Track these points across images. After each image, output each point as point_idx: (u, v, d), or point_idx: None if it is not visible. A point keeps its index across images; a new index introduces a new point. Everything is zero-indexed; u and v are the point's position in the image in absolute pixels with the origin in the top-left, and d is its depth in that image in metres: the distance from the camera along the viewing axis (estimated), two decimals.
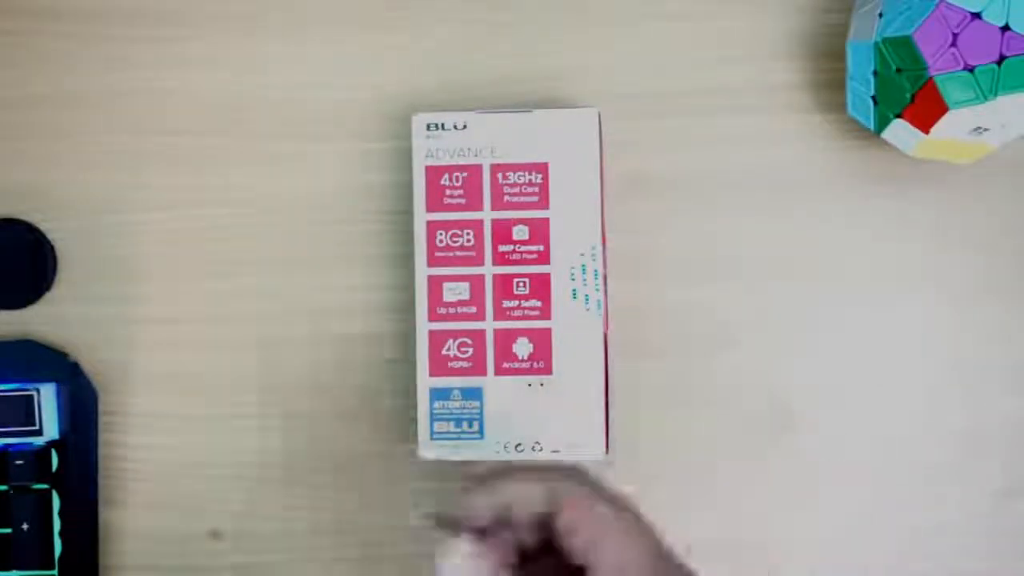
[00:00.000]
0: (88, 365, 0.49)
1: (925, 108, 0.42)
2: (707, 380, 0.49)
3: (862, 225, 0.49)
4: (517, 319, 0.45)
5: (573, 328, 0.45)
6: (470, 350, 0.45)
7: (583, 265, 0.45)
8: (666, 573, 0.35)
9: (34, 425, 0.48)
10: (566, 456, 0.45)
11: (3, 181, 0.50)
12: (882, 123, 0.44)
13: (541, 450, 0.45)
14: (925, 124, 0.43)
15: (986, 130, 0.43)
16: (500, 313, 0.45)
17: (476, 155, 0.45)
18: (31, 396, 0.48)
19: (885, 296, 0.49)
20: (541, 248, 0.45)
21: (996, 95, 0.41)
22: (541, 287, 0.45)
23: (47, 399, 0.48)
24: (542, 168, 0.45)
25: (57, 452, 0.48)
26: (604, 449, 0.45)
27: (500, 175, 0.45)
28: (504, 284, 0.45)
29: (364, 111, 0.50)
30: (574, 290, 0.45)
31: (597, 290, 0.45)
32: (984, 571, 0.48)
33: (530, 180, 0.45)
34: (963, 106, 0.41)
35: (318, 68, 0.50)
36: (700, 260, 0.49)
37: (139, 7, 0.50)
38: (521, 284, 0.45)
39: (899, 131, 0.44)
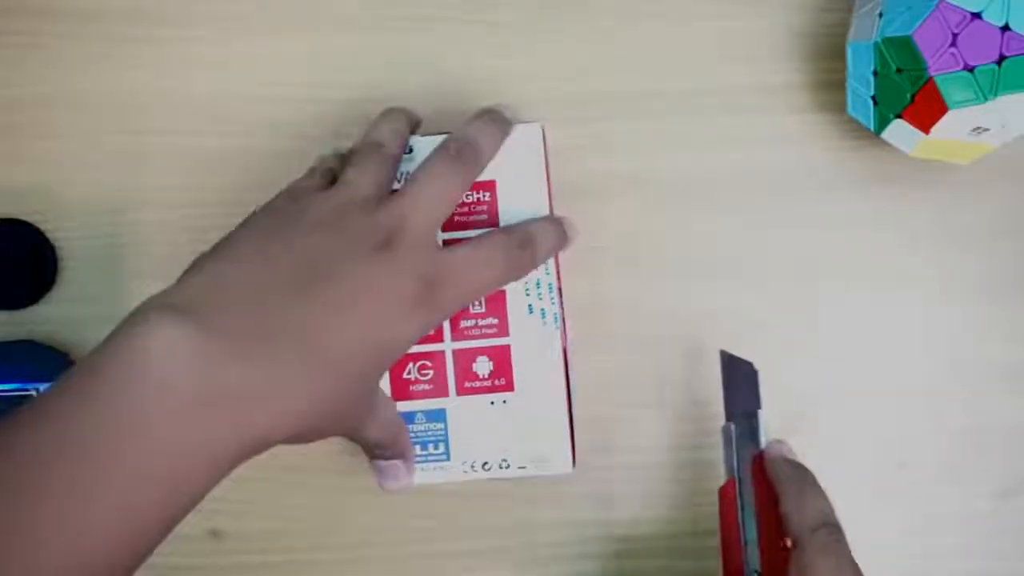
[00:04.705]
0: None
1: (925, 108, 0.42)
2: (706, 380, 0.49)
3: (862, 225, 0.49)
4: (475, 338, 0.45)
5: (532, 343, 0.45)
6: (431, 372, 0.45)
7: (537, 280, 0.45)
8: None
9: None
10: (533, 472, 0.45)
11: (4, 181, 0.50)
12: (882, 123, 0.44)
13: (508, 467, 0.45)
14: (925, 124, 0.43)
15: (986, 130, 0.43)
16: (458, 333, 0.45)
17: None
18: (31, 396, 0.48)
19: (885, 296, 0.49)
20: None
21: (996, 95, 0.41)
22: (497, 304, 0.45)
23: None
24: (489, 186, 0.45)
25: None
26: (571, 462, 0.45)
27: None
28: None
29: (365, 112, 0.50)
30: (530, 305, 0.45)
31: (553, 303, 0.45)
32: (984, 571, 0.48)
33: (478, 199, 0.45)
34: (963, 106, 0.41)
35: (320, 68, 0.50)
36: (699, 260, 0.49)
37: (139, 7, 0.50)
38: (477, 303, 0.45)
39: (899, 131, 0.44)
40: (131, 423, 0.33)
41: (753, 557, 0.42)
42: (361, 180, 0.41)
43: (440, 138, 0.44)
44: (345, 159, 0.44)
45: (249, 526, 0.50)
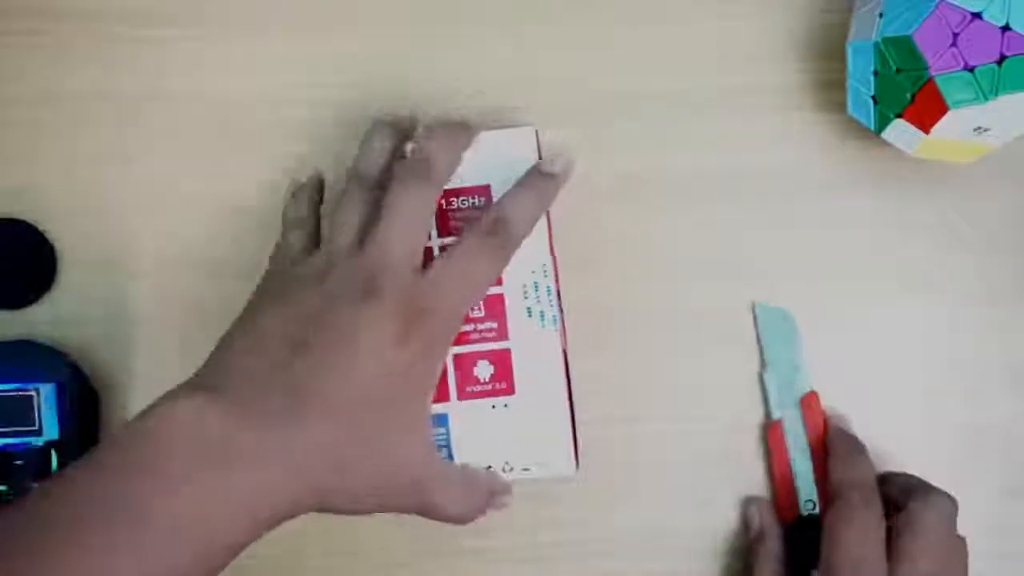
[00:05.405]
0: (88, 365, 0.49)
1: (925, 108, 0.42)
2: (707, 380, 0.49)
3: (862, 225, 0.49)
4: (475, 342, 0.44)
5: (531, 346, 0.44)
6: None
7: (535, 283, 0.44)
8: None
9: (34, 425, 0.48)
10: (536, 474, 0.44)
11: (4, 181, 0.50)
12: (882, 123, 0.44)
13: (511, 470, 0.44)
14: (925, 124, 0.43)
15: (986, 130, 0.43)
16: (457, 338, 0.44)
17: None
18: (31, 396, 0.48)
19: (885, 296, 0.49)
20: None
21: (996, 95, 0.41)
22: (496, 308, 0.44)
23: (47, 399, 0.48)
24: (484, 191, 0.45)
25: (57, 452, 0.48)
26: (574, 464, 0.44)
27: (443, 201, 0.45)
28: None
29: (366, 112, 0.50)
30: (528, 308, 0.44)
31: (552, 306, 0.44)
32: (984, 571, 0.48)
33: (473, 204, 0.45)
34: (963, 106, 0.41)
35: (320, 68, 0.50)
36: (700, 261, 0.49)
37: (139, 7, 0.50)
38: (476, 307, 0.45)
39: (899, 131, 0.44)
40: (164, 486, 0.35)
41: (805, 487, 0.47)
42: (343, 231, 0.41)
43: None
44: (311, 200, 0.45)
45: None
